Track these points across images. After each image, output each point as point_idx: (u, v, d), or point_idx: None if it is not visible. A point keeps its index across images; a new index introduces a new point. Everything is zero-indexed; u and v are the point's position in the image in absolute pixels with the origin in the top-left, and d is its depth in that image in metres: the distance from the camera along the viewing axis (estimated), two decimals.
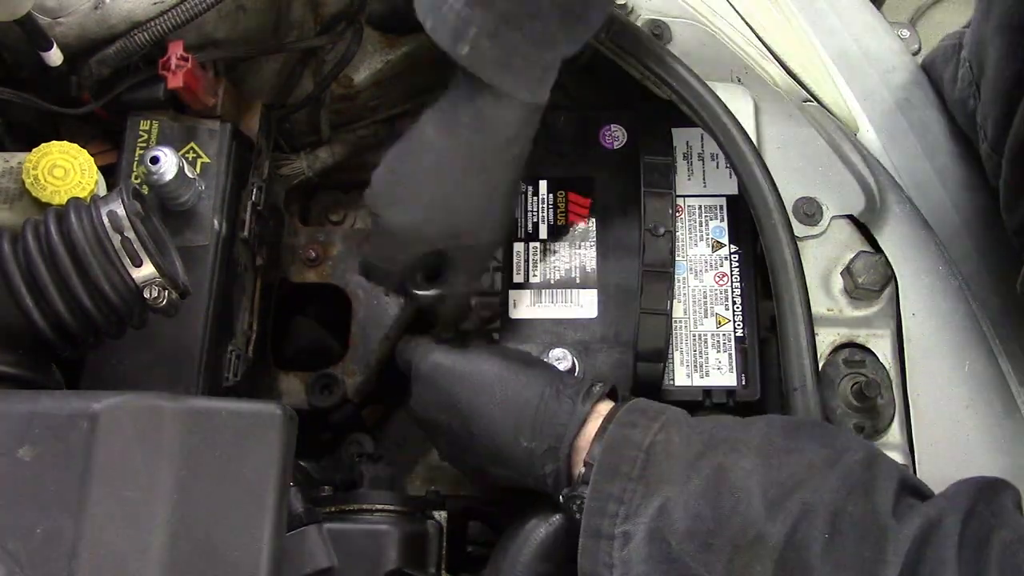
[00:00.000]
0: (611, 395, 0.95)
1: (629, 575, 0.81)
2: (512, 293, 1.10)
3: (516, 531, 0.95)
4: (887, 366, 1.02)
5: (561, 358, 1.04)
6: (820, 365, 0.99)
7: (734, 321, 1.07)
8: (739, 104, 1.09)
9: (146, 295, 0.81)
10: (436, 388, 0.98)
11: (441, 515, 1.01)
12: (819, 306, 1.03)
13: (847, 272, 1.04)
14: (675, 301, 1.06)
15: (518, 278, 1.11)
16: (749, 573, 0.76)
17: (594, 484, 0.85)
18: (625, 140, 1.15)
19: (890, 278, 1.03)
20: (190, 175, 0.99)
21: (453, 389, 0.96)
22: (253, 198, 1.08)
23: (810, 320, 0.98)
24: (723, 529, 0.78)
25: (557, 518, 0.93)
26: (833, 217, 1.07)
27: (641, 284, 1.04)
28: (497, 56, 0.87)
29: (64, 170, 0.94)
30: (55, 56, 0.96)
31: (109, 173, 1.01)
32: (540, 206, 1.14)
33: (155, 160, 0.95)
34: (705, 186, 1.13)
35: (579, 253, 1.12)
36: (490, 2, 0.85)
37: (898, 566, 0.72)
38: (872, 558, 0.73)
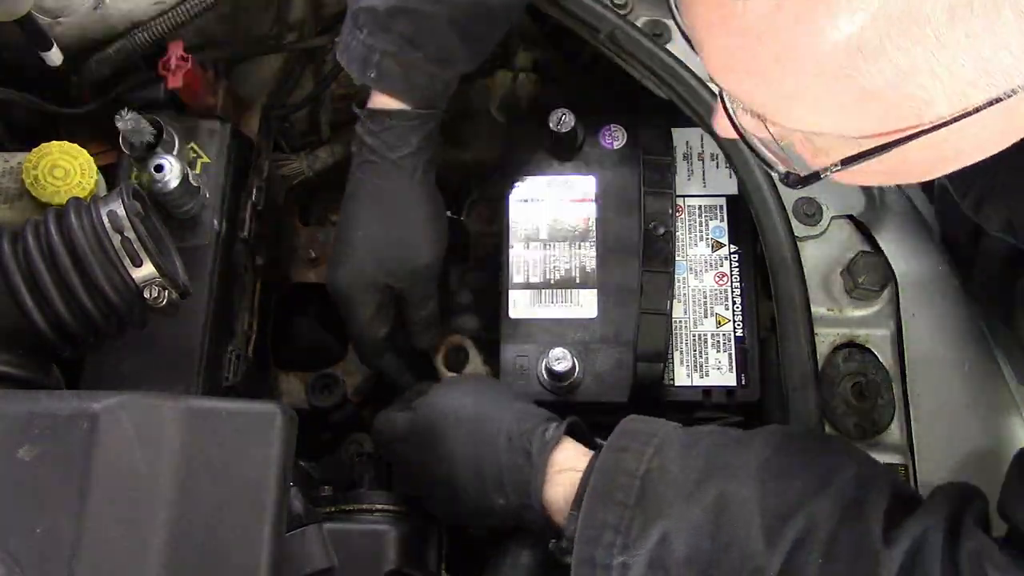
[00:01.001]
0: (574, 430, 0.93)
1: None
2: (512, 293, 1.10)
3: (503, 557, 0.96)
4: (887, 366, 1.02)
5: (561, 358, 1.04)
6: (820, 365, 0.99)
7: (734, 321, 1.07)
8: None
9: (146, 295, 0.81)
10: (413, 454, 0.96)
11: None
12: (819, 306, 1.03)
13: (847, 272, 1.04)
14: (675, 301, 1.06)
15: (518, 278, 1.11)
16: None
17: (586, 512, 0.84)
18: (625, 140, 1.15)
19: (890, 278, 1.03)
20: (195, 183, 0.98)
21: (431, 454, 0.94)
22: (253, 198, 1.08)
23: (810, 320, 0.98)
24: (722, 559, 0.79)
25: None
26: (833, 217, 1.07)
27: (641, 284, 1.04)
28: (401, 74, 0.98)
29: (64, 170, 0.94)
30: (55, 56, 0.96)
31: (109, 173, 1.01)
32: (540, 206, 1.14)
33: (159, 168, 0.94)
34: (705, 186, 1.13)
35: (579, 253, 1.11)
36: (390, 27, 0.95)
37: None
38: None
